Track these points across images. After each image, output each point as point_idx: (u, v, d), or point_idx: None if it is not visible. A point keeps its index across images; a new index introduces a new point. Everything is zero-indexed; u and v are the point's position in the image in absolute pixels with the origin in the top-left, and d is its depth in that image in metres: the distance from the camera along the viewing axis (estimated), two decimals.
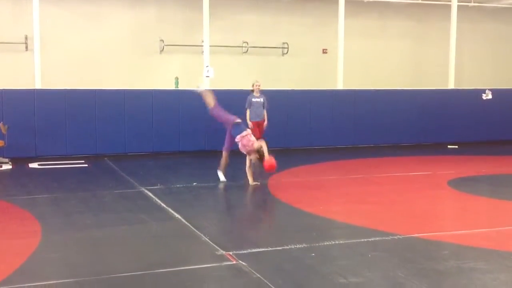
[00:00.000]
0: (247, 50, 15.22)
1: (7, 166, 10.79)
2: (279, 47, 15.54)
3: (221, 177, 9.52)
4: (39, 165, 10.97)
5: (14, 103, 11.64)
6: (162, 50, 14.51)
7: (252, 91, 11.93)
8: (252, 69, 14.74)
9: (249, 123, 11.62)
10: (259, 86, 11.93)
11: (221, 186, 9.27)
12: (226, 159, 9.55)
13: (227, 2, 14.71)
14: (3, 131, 11.03)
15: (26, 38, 13.25)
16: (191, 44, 14.44)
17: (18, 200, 7.87)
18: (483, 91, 14.97)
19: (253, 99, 11.91)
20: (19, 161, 11.14)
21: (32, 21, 12.18)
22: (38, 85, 12.09)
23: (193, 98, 11.95)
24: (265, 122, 11.86)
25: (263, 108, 11.88)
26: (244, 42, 15.18)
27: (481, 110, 14.94)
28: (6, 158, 11.11)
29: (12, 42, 13.27)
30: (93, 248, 5.74)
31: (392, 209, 7.51)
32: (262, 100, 11.93)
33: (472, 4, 15.99)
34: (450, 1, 15.03)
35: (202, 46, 13.29)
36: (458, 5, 15.04)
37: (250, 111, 11.86)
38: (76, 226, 6.55)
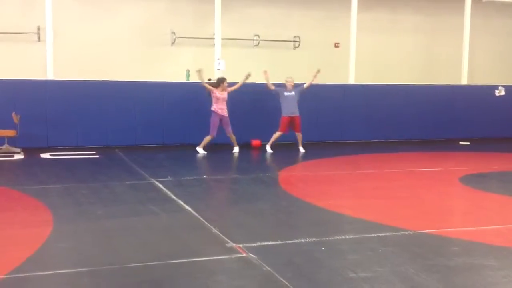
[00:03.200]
0: (259, 43, 15.18)
1: (19, 156, 10.86)
2: (291, 41, 15.49)
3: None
4: (50, 155, 11.03)
5: (26, 94, 11.71)
6: (173, 42, 14.51)
7: (285, 86, 12.08)
8: (263, 63, 14.66)
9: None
10: (291, 82, 12.05)
11: (231, 179, 9.28)
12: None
13: None
14: (15, 121, 11.10)
15: (38, 28, 13.29)
16: (202, 37, 14.43)
17: (30, 189, 7.92)
18: (496, 87, 14.87)
19: (286, 93, 11.97)
20: (31, 151, 11.21)
21: (44, 11, 12.21)
22: (50, 76, 12.14)
23: (204, 90, 11.98)
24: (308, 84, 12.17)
25: (297, 101, 12.03)
26: (255, 35, 15.14)
27: (494, 107, 14.84)
28: (18, 148, 11.17)
29: (25, 33, 13.32)
30: (104, 238, 5.77)
31: (403, 205, 7.48)
32: (294, 93, 12.00)
33: None
34: None
35: (214, 38, 13.27)
36: (471, 0, 14.91)
37: (283, 105, 12.00)
38: (87, 216, 6.59)
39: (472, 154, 12.58)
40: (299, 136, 12.22)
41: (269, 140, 12.13)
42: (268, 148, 12.06)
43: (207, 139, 11.67)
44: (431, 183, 9.01)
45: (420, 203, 7.59)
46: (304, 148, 12.18)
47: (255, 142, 12.47)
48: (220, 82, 11.67)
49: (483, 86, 15.09)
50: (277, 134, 12.11)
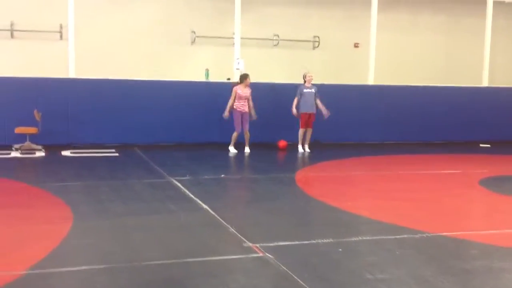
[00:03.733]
0: (278, 43, 15.19)
1: (40, 153, 11.01)
2: (310, 41, 15.47)
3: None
4: (71, 152, 11.16)
5: (48, 92, 11.86)
6: (193, 42, 14.58)
7: (304, 82, 12.08)
8: (283, 62, 14.70)
9: (293, 110, 12.07)
10: (311, 77, 12.07)
11: (249, 178, 9.31)
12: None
13: None
14: (37, 118, 11.25)
15: (60, 27, 13.46)
16: (222, 36, 14.48)
17: (50, 186, 8.04)
18: None
19: (305, 90, 12.01)
20: (52, 148, 11.36)
21: (66, 10, 12.35)
22: (72, 74, 12.28)
23: (223, 90, 12.03)
24: (326, 111, 12.08)
25: (315, 98, 12.04)
26: (275, 35, 15.15)
27: None
28: (39, 145, 11.33)
29: (47, 31, 13.49)
30: (123, 235, 5.84)
31: (421, 207, 7.45)
32: (313, 90, 12.03)
33: (508, 0, 15.66)
34: None
35: (233, 38, 13.31)
36: (493, 1, 14.75)
37: (301, 102, 12.03)
38: (106, 214, 6.67)
39: (492, 156, 12.45)
40: (309, 132, 12.20)
41: (298, 141, 12.14)
42: (300, 148, 12.08)
43: (234, 136, 11.78)
44: (450, 186, 8.95)
45: (439, 206, 7.54)
46: (317, 147, 12.18)
47: (282, 143, 12.41)
48: (243, 78, 11.75)
49: (504, 88, 14.92)
50: (301, 132, 12.14)
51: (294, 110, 12.07)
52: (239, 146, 11.85)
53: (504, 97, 14.71)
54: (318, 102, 12.09)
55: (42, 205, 7.15)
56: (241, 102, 11.69)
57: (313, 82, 12.20)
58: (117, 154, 11.21)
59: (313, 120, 12.14)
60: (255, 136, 12.10)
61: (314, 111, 12.11)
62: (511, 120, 14.65)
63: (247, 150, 11.85)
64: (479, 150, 13.38)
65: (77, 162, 10.36)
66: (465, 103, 14.44)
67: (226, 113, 11.71)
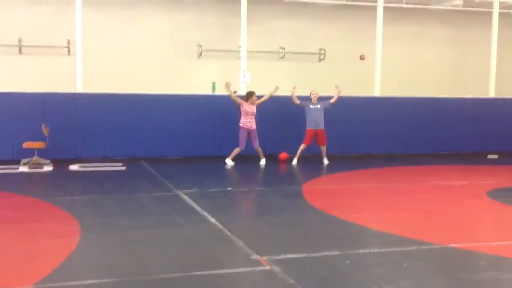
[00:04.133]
0: (284, 55, 15.26)
1: (48, 168, 11.06)
2: (316, 53, 15.54)
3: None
4: (79, 167, 11.21)
5: (56, 106, 11.94)
6: (200, 55, 14.67)
7: (310, 99, 12.15)
8: (289, 75, 14.76)
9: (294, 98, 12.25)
10: (316, 95, 12.15)
11: (256, 191, 9.31)
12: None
13: (264, 7, 14.79)
14: (45, 133, 11.32)
15: (68, 42, 13.59)
16: (228, 49, 14.57)
17: (58, 200, 8.07)
18: None
19: (310, 106, 12.04)
20: (60, 162, 11.41)
21: (74, 25, 12.47)
22: (79, 89, 12.37)
23: (229, 103, 12.08)
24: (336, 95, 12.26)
25: (322, 114, 12.10)
26: (281, 48, 15.23)
27: None
28: (47, 159, 11.39)
29: (55, 46, 13.63)
30: (130, 249, 5.84)
31: (429, 218, 7.41)
32: (319, 106, 12.07)
33: None
34: (491, 8, 14.78)
35: (239, 51, 13.39)
36: (499, 12, 14.77)
37: (307, 119, 12.10)
38: (114, 227, 6.69)
39: (500, 167, 12.39)
40: (323, 149, 12.25)
41: (296, 153, 12.16)
42: (294, 162, 12.09)
43: (236, 151, 11.80)
44: (458, 197, 8.91)
45: (447, 217, 7.51)
46: (328, 159, 12.20)
47: (283, 155, 12.46)
48: (249, 96, 11.80)
49: (511, 99, 14.88)
50: (302, 147, 12.15)
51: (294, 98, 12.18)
52: (254, 158, 11.87)
53: (511, 108, 14.66)
54: (332, 101, 12.22)
55: (50, 219, 7.18)
56: (248, 118, 11.72)
57: (320, 94, 12.24)
58: (124, 168, 11.25)
59: (322, 136, 12.15)
60: (262, 148, 12.14)
61: (321, 127, 12.11)
62: None
63: (262, 162, 11.89)
64: (487, 161, 13.33)
65: (85, 176, 10.40)
66: (472, 114, 14.41)
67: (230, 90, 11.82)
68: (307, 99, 12.25)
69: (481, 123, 14.42)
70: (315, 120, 12.10)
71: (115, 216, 7.19)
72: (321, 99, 12.27)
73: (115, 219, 7.04)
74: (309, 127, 12.13)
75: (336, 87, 12.26)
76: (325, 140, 12.20)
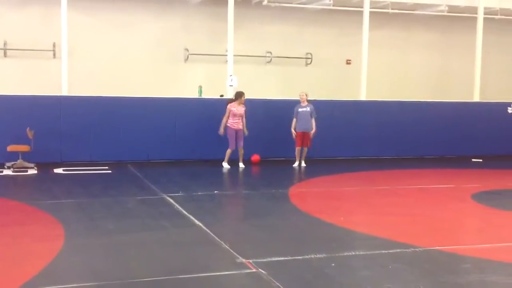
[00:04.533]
0: (271, 60, 15.28)
1: (32, 171, 10.96)
2: (303, 57, 15.59)
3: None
4: (64, 170, 11.12)
5: (41, 109, 11.83)
6: (186, 59, 14.65)
7: (300, 101, 12.20)
8: (276, 79, 14.79)
9: (293, 132, 12.21)
10: (304, 97, 12.15)
11: (242, 194, 9.30)
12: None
13: (251, 12, 14.81)
14: (30, 136, 11.22)
15: (54, 45, 13.51)
16: (215, 54, 14.56)
17: (42, 204, 8.00)
18: (509, 104, 14.80)
19: (300, 109, 12.06)
20: (44, 166, 11.32)
21: (60, 29, 12.39)
22: (64, 92, 12.28)
23: (216, 106, 12.07)
24: (313, 130, 12.13)
25: (311, 117, 12.09)
26: (268, 52, 15.25)
27: (507, 124, 14.75)
28: (31, 163, 11.28)
29: (41, 50, 13.54)
30: (115, 253, 5.80)
31: (414, 221, 7.45)
32: (308, 109, 12.07)
33: (498, 16, 15.83)
34: (476, 14, 14.93)
35: (226, 55, 13.38)
36: (484, 18, 14.92)
37: (296, 121, 12.11)
38: (99, 231, 6.64)
39: (484, 171, 12.50)
40: (304, 150, 12.26)
41: (291, 156, 12.21)
42: (296, 164, 12.14)
43: (228, 152, 11.84)
44: (443, 200, 8.96)
45: (432, 220, 7.55)
46: (305, 163, 12.22)
47: (254, 158, 12.45)
48: (239, 96, 11.80)
49: (496, 103, 15.02)
50: (296, 150, 12.19)
51: (293, 132, 12.18)
52: (233, 162, 11.87)
53: (496, 112, 14.80)
54: (313, 121, 12.12)
55: (34, 222, 7.12)
56: (235, 119, 11.74)
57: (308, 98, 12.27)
58: (110, 171, 11.18)
59: (308, 138, 12.17)
60: (248, 152, 12.14)
61: (309, 130, 12.14)
62: (503, 135, 14.72)
63: (241, 165, 11.87)
64: (471, 164, 13.43)
65: (70, 180, 10.32)
66: (457, 118, 14.52)
67: (221, 130, 11.77)
68: (297, 102, 12.26)
69: (466, 127, 14.52)
70: (304, 122, 12.11)
71: (100, 220, 7.14)
72: (310, 102, 12.25)
73: (100, 223, 7.00)
74: (298, 129, 12.15)
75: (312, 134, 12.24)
76: (309, 143, 12.22)
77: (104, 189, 9.29)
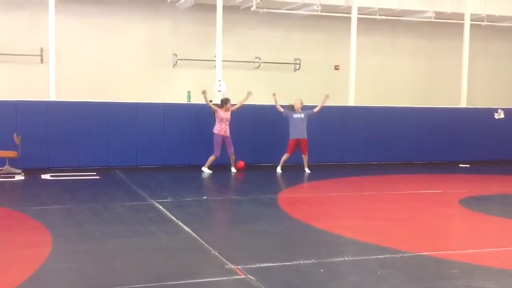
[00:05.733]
0: (259, 65, 15.32)
1: (19, 177, 10.88)
2: (291, 63, 15.63)
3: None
4: (51, 176, 11.06)
5: (28, 115, 11.76)
6: (175, 64, 14.65)
7: (293, 108, 12.17)
8: (264, 85, 14.81)
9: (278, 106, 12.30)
10: (298, 104, 12.14)
11: (231, 200, 9.29)
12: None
13: (240, 17, 14.84)
14: (17, 142, 11.15)
15: (41, 50, 13.45)
16: (203, 59, 14.57)
17: (30, 210, 7.94)
18: (496, 110, 14.93)
19: (294, 115, 12.04)
20: (32, 172, 11.24)
21: (47, 34, 12.34)
22: (52, 97, 12.22)
23: (204, 112, 12.06)
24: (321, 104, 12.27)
25: (306, 124, 12.09)
26: (256, 58, 15.28)
27: (493, 129, 14.88)
28: (18, 169, 11.20)
29: (28, 55, 13.46)
30: (103, 259, 5.77)
31: (402, 227, 7.49)
32: (303, 115, 12.05)
33: (484, 23, 16.00)
34: (463, 20, 15.06)
35: (215, 60, 13.39)
36: (470, 24, 15.06)
37: (290, 128, 12.08)
38: (87, 237, 6.60)
39: (472, 176, 12.59)
40: (305, 158, 12.26)
41: (279, 162, 12.20)
42: (278, 170, 12.11)
43: (211, 159, 11.81)
44: (431, 205, 9.01)
45: (420, 225, 7.59)
46: (309, 169, 12.23)
47: (239, 164, 12.38)
48: (224, 103, 11.82)
49: (483, 109, 15.15)
50: (284, 157, 12.19)
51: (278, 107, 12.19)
52: (225, 168, 11.86)
53: (483, 118, 14.92)
54: (316, 110, 12.19)
55: (22, 229, 7.05)
56: (222, 125, 11.73)
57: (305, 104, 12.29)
58: (98, 177, 11.13)
59: (305, 145, 12.15)
60: (237, 158, 12.15)
61: (304, 136, 12.12)
62: (490, 141, 14.84)
63: (233, 170, 11.92)
64: (459, 170, 13.52)
65: (57, 186, 10.26)
66: (444, 124, 14.61)
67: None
68: (286, 108, 12.28)
69: (453, 132, 14.63)
70: (298, 130, 12.10)
71: (88, 226, 7.10)
72: (304, 108, 12.26)
73: (87, 229, 6.95)
74: (292, 136, 12.14)
75: (327, 96, 12.25)
76: (305, 150, 12.20)
77: (92, 195, 9.23)
